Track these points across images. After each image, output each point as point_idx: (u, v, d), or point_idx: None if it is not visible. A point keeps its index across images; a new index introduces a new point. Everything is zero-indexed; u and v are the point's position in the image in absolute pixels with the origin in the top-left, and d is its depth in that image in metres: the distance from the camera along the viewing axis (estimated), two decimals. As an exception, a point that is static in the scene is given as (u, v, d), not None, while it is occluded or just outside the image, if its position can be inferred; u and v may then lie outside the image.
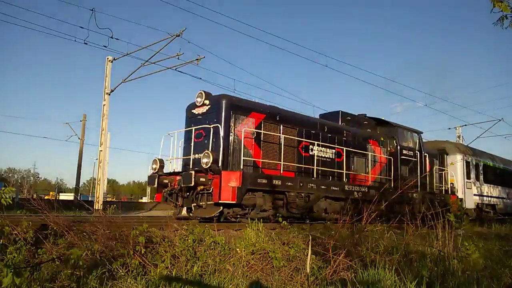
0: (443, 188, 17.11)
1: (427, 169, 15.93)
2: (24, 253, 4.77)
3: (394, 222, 7.28)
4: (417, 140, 15.90)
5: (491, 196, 20.06)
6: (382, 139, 14.42)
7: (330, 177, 12.35)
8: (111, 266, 4.57)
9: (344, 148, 12.45)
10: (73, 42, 57.65)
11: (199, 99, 10.69)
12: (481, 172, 19.98)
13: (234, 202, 9.17)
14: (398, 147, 14.75)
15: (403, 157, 14.83)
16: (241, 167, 9.96)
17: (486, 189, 19.91)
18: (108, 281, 4.30)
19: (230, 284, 4.68)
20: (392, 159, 14.38)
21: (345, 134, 13.08)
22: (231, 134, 10.14)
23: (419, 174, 14.75)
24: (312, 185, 11.15)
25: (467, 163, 18.86)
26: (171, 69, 19.56)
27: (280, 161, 10.84)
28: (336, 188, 11.89)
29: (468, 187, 18.45)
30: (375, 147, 14.11)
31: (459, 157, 18.51)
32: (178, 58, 18.76)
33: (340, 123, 13.82)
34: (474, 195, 18.82)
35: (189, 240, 5.48)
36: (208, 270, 4.96)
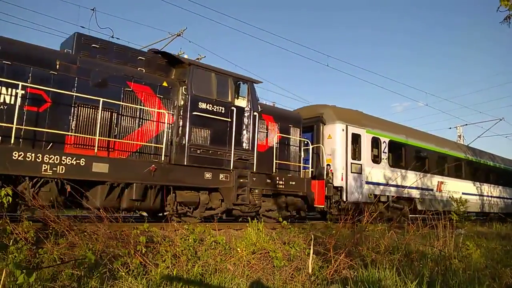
0: (312, 170, 11.82)
1: (265, 139, 10.63)
2: (25, 252, 4.77)
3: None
4: (246, 92, 10.27)
5: (404, 187, 14.11)
6: (165, 84, 9.08)
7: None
8: (112, 266, 4.57)
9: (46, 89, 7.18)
10: (74, 42, 57.52)
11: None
12: (385, 151, 14.03)
13: None
14: (189, 98, 9.04)
15: (198, 113, 9.09)
16: None
17: (395, 176, 14.18)
18: (109, 281, 4.31)
19: (231, 283, 4.69)
20: (181, 116, 9.06)
21: (58, 66, 7.48)
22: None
23: (233, 142, 9.52)
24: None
25: (355, 137, 13.06)
26: (170, 69, 19.40)
27: None
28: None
29: (355, 170, 12.75)
30: (148, 96, 8.72)
31: (339, 127, 12.65)
32: (178, 58, 18.69)
33: (73, 53, 8.15)
34: (369, 183, 13.06)
35: (190, 240, 5.49)
36: (209, 269, 4.97)
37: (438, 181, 16.55)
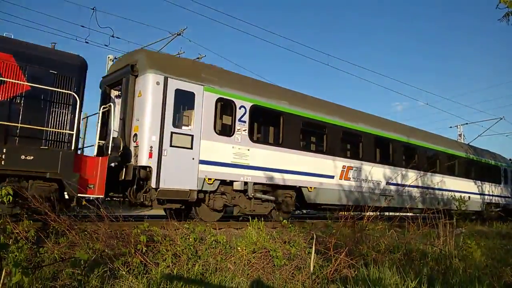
0: (102, 143, 8.85)
1: None
2: (26, 252, 4.78)
3: None
4: None
5: (271, 170, 10.36)
6: None
7: None
8: (112, 265, 4.58)
9: None
10: (75, 40, 58.19)
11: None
12: (243, 119, 9.95)
13: None
14: None
15: None
16: None
17: (261, 154, 10.25)
18: (110, 280, 4.31)
19: (232, 282, 4.69)
20: None
21: None
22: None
23: None
24: None
25: (184, 96, 9.07)
26: (170, 67, 19.31)
27: None
28: None
29: (181, 144, 8.79)
30: None
31: (151, 79, 8.65)
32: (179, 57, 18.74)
33: None
34: (206, 163, 9.12)
35: (190, 239, 5.50)
36: (210, 268, 4.97)
37: (344, 166, 12.29)
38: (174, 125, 8.82)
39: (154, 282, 4.37)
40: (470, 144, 24.19)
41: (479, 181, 19.07)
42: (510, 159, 25.72)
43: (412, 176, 14.33)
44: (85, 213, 6.85)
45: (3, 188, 5.26)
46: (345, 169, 12.41)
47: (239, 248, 5.63)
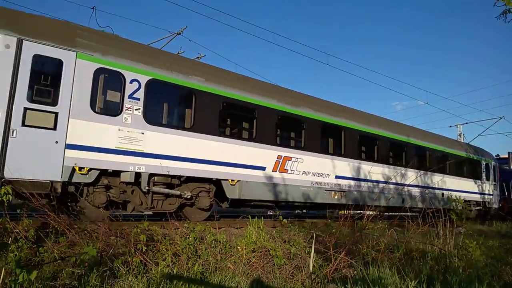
0: None
1: None
2: (26, 251, 4.78)
3: None
4: None
5: (177, 158, 8.70)
6: None
7: None
8: (112, 264, 4.58)
9: None
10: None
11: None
12: (135, 96, 8.26)
13: None
14: None
15: None
16: None
17: (160, 139, 8.53)
18: (110, 279, 4.31)
19: (231, 282, 4.69)
20: None
21: None
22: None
23: None
24: None
25: (47, 63, 7.43)
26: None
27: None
28: None
29: (40, 123, 7.16)
30: None
31: None
32: (177, 56, 18.64)
33: None
34: (73, 147, 7.41)
35: (190, 238, 5.50)
36: (209, 268, 4.98)
37: (280, 156, 10.55)
38: (30, 99, 7.06)
39: (154, 281, 4.38)
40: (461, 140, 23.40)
41: (456, 177, 17.16)
42: (497, 155, 24.52)
43: (369, 169, 12.74)
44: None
45: (2, 187, 5.26)
46: (280, 160, 10.61)
47: (239, 247, 5.63)
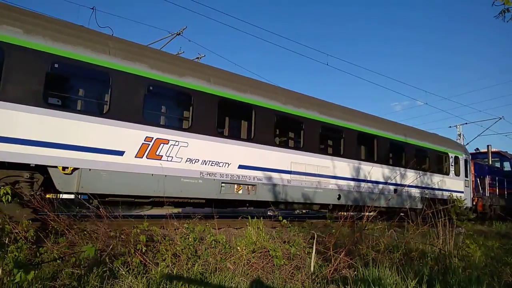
0: None
1: None
2: (25, 251, 4.78)
3: None
4: None
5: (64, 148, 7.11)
6: None
7: None
8: (112, 265, 4.57)
9: None
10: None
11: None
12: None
13: None
14: None
15: None
16: None
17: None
18: (109, 280, 4.31)
19: (231, 282, 4.68)
20: None
21: None
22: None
23: None
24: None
25: None
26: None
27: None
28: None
29: None
30: None
31: None
32: (176, 56, 18.65)
33: None
34: None
35: (190, 239, 5.49)
36: (209, 268, 4.97)
37: (149, 138, 8.20)
38: None
39: (154, 281, 4.37)
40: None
41: (414, 170, 14.60)
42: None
43: (287, 159, 10.37)
44: (84, 213, 6.85)
45: (2, 187, 5.26)
46: (150, 143, 8.19)
47: (238, 247, 5.63)
